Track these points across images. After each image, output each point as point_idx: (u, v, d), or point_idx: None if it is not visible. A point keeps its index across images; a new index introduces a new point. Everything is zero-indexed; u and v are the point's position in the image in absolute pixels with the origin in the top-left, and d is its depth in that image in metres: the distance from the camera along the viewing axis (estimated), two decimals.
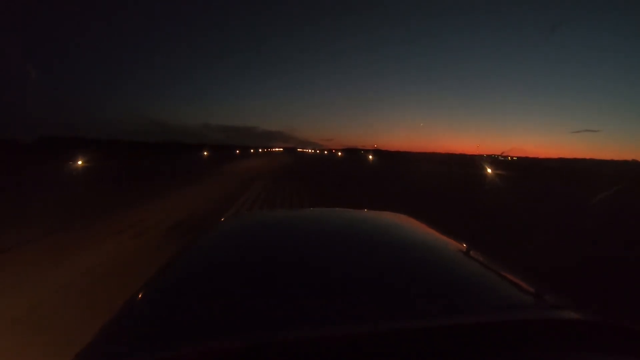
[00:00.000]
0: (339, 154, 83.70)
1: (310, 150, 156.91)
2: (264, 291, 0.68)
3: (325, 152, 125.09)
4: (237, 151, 65.72)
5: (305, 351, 0.47)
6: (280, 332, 0.51)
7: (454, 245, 1.01)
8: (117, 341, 0.56)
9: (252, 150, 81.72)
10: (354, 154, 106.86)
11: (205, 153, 40.10)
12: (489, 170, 18.78)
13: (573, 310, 0.63)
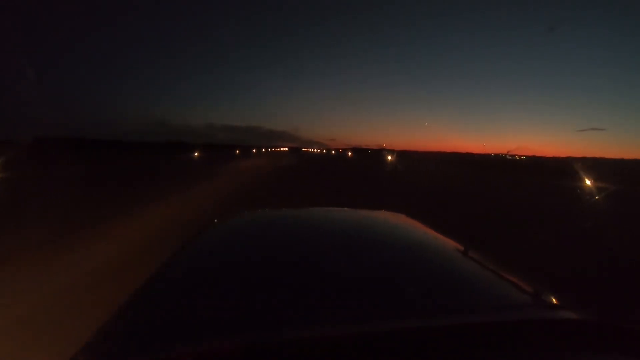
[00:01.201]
0: (349, 153, 75.85)
1: (316, 150, 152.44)
2: (262, 291, 0.68)
3: (333, 151, 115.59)
4: (237, 151, 59.65)
5: (305, 351, 0.47)
6: (279, 332, 0.52)
7: (453, 246, 1.02)
8: (115, 341, 0.56)
9: (254, 150, 74.54)
10: (363, 153, 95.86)
11: (196, 154, 33.52)
12: (588, 182, 11.43)
13: (573, 310, 0.63)
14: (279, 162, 25.69)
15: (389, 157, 30.42)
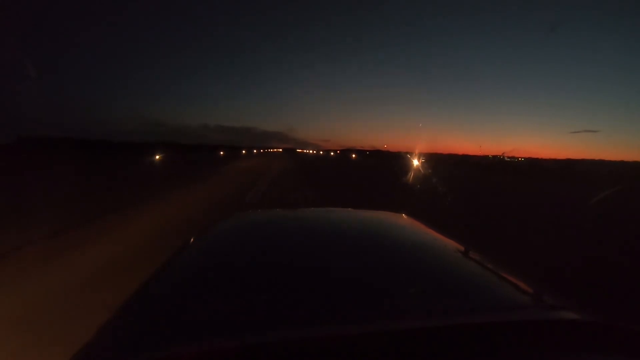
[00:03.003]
0: (353, 155, 66.14)
1: (312, 151, 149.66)
2: (263, 291, 0.69)
3: (332, 153, 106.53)
4: (221, 152, 50.85)
5: (305, 351, 0.48)
6: (279, 332, 0.52)
7: (454, 246, 1.02)
8: (115, 341, 0.56)
9: (243, 152, 66.22)
10: (362, 154, 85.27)
11: (157, 157, 24.29)
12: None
13: (573, 310, 0.64)
14: (270, 169, 17.69)
15: (415, 162, 18.47)
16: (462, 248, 1.00)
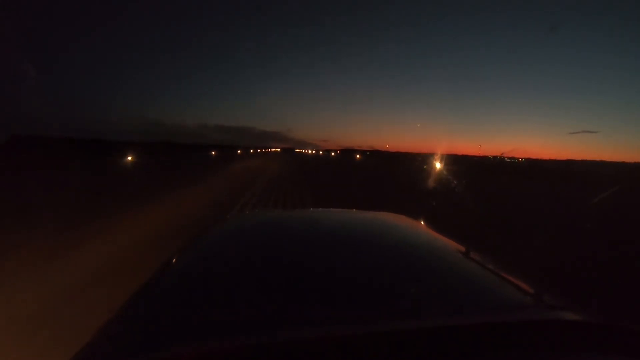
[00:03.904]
0: (357, 156, 63.17)
1: (310, 151, 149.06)
2: (263, 291, 0.69)
3: (332, 153, 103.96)
4: (213, 152, 46.68)
5: (305, 352, 0.48)
6: (279, 332, 0.53)
7: (453, 246, 1.02)
8: (116, 341, 0.57)
9: (239, 151, 61.46)
10: (362, 155, 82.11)
11: (129, 158, 21.16)
12: None
13: (573, 310, 0.65)
14: (263, 175, 13.94)
15: (438, 165, 16.25)
16: (461, 248, 1.00)
